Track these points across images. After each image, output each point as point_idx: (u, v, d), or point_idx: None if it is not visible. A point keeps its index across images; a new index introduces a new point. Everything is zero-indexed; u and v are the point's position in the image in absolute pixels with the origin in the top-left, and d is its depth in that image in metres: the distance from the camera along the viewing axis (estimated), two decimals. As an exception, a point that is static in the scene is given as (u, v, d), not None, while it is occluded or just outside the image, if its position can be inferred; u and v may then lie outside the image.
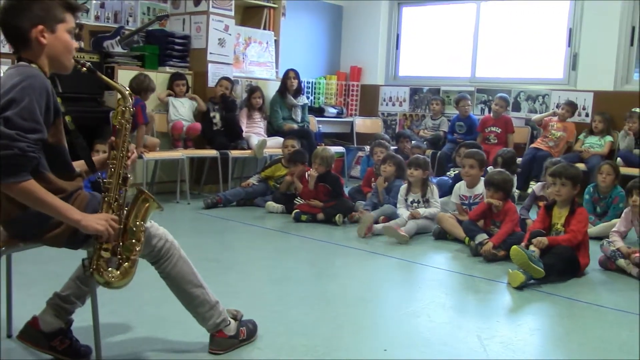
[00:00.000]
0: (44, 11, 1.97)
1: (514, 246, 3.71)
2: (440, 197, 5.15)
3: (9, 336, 2.48)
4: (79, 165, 2.16)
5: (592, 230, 4.62)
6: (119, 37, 6.01)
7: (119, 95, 2.15)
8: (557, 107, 6.81)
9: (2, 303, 2.49)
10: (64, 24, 2.03)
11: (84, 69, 2.12)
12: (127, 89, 2.21)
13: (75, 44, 2.10)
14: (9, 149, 1.77)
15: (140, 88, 5.57)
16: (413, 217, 4.80)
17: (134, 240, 2.03)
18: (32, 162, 1.83)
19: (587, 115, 6.87)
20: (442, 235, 4.75)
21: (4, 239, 2.00)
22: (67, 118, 2.06)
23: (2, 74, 1.99)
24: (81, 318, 2.40)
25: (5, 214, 1.96)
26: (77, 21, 2.12)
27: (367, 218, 4.75)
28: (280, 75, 7.10)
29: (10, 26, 1.97)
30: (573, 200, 3.97)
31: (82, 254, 2.04)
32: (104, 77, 2.21)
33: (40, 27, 1.96)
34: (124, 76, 5.76)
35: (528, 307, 3.33)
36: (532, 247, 3.76)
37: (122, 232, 2.02)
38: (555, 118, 6.65)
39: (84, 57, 5.46)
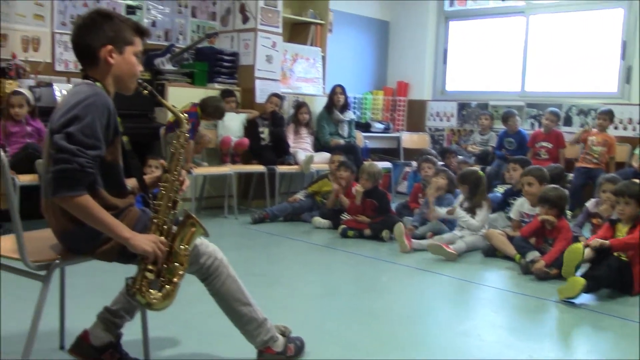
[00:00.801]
0: (114, 32, 2.04)
1: (578, 244, 3.67)
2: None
3: (62, 347, 2.53)
4: (130, 182, 2.19)
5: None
6: (169, 55, 6.14)
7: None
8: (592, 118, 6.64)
9: (55, 315, 2.55)
10: (132, 46, 2.09)
11: (146, 91, 2.17)
12: (185, 114, 2.24)
13: (140, 67, 2.14)
14: (69, 163, 1.82)
15: (202, 108, 5.65)
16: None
17: (177, 264, 2.04)
18: (89, 177, 1.88)
19: (642, 129, 6.67)
20: (492, 252, 4.65)
21: (58, 251, 2.05)
22: (125, 138, 2.10)
23: (55, 90, 2.05)
24: (130, 332, 2.43)
25: (61, 227, 2.01)
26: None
27: (398, 229, 4.70)
28: (327, 91, 7.12)
29: (81, 43, 2.04)
30: (637, 217, 3.85)
31: (132, 268, 2.06)
32: (163, 100, 2.26)
33: (110, 47, 2.03)
34: (174, 93, 5.88)
35: (582, 327, 3.23)
36: (587, 251, 3.67)
37: (167, 255, 2.03)
38: (595, 130, 6.48)
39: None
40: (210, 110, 5.67)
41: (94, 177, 1.91)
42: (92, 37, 2.02)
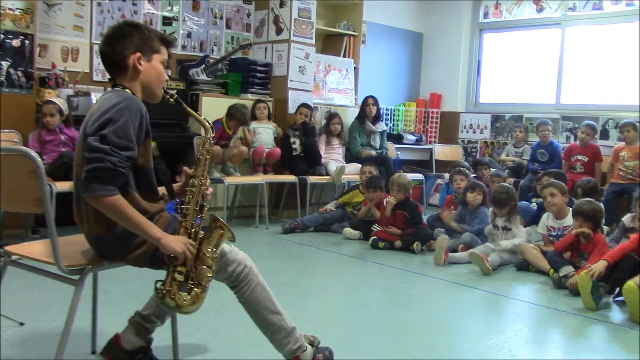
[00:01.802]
0: (142, 40, 2.11)
1: (584, 272, 3.65)
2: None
3: (93, 352, 2.56)
4: (160, 189, 2.23)
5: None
6: (204, 66, 6.22)
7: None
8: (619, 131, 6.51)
9: (88, 319, 2.59)
10: (159, 54, 2.16)
11: (172, 100, 2.22)
12: (209, 121, 2.29)
13: (166, 76, 2.21)
14: (101, 162, 1.86)
15: (228, 111, 5.79)
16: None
17: (205, 267, 2.05)
18: (121, 177, 1.91)
19: (682, 143, 6.50)
20: (525, 266, 4.59)
21: (91, 256, 2.08)
22: (153, 144, 2.14)
23: (93, 99, 2.10)
24: (160, 337, 2.46)
25: (93, 233, 2.04)
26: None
27: (442, 241, 4.64)
28: (360, 102, 7.13)
29: (111, 51, 2.10)
30: None
31: (164, 274, 2.08)
32: (188, 109, 2.31)
33: (138, 54, 2.10)
34: (208, 103, 5.96)
35: (618, 344, 3.15)
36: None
37: (195, 258, 2.05)
38: (622, 144, 6.35)
39: (170, 85, 5.70)
40: (232, 111, 5.78)
41: (126, 178, 1.95)
42: (122, 45, 2.08)
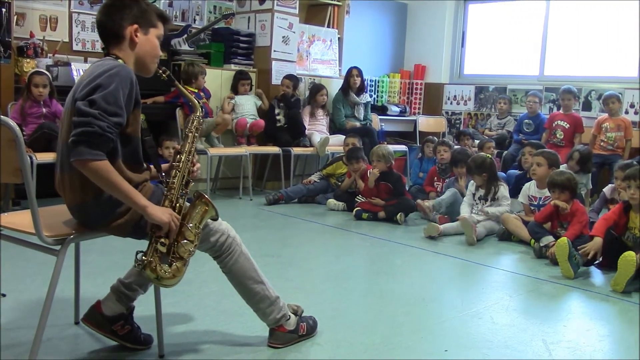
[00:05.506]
0: (140, 12, 2.11)
1: (563, 238, 3.71)
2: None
3: (76, 323, 2.56)
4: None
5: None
6: (186, 35, 6.14)
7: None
8: (603, 103, 6.53)
9: (71, 291, 2.58)
10: (155, 29, 2.16)
11: (164, 75, 2.22)
12: (198, 100, 2.30)
13: (160, 51, 2.21)
14: (90, 126, 1.85)
15: (191, 76, 5.70)
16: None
17: (187, 241, 2.05)
18: (109, 143, 1.90)
19: (663, 115, 6.57)
20: (507, 236, 4.64)
21: (73, 227, 2.06)
22: (142, 116, 2.13)
23: (73, 69, 2.06)
24: (144, 308, 2.46)
25: (75, 201, 2.02)
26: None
27: (434, 228, 4.63)
28: (344, 73, 7.09)
29: (109, 21, 2.09)
30: None
31: (146, 245, 2.07)
32: (180, 86, 2.33)
33: (136, 26, 2.09)
34: (190, 74, 5.88)
35: (597, 312, 3.21)
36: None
37: (178, 232, 2.05)
38: (605, 115, 6.39)
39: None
40: (193, 74, 5.71)
41: (114, 144, 1.93)
42: (121, 15, 2.08)
